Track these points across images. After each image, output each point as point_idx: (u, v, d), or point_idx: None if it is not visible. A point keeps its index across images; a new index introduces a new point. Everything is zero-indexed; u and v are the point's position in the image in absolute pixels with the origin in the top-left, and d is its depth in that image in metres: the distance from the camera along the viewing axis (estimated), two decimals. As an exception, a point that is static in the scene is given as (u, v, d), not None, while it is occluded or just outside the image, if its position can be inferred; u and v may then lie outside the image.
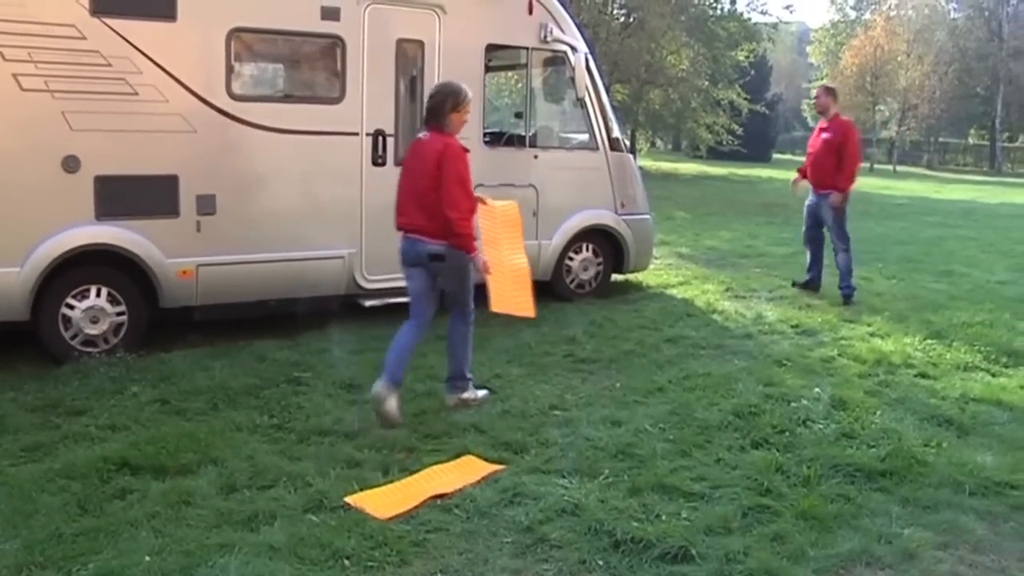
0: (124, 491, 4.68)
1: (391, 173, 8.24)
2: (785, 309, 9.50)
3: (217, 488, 4.73)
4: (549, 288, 9.57)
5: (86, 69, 6.93)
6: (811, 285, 10.55)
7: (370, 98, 8.18)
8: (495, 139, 9.42)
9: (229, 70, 7.53)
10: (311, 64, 8.40)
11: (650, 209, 10.47)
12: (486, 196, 6.57)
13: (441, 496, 4.73)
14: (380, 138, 8.28)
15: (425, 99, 6.31)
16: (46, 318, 7.04)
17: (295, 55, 8.28)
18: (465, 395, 6.23)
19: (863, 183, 35.52)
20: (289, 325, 7.98)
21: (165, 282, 7.37)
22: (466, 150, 5.91)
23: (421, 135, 6.05)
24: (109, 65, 7.00)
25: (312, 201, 8.02)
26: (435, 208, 5.78)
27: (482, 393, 6.33)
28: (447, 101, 5.90)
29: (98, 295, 7.20)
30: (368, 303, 8.37)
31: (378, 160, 8.28)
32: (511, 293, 6.32)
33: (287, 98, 8.14)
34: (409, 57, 8.46)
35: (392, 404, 5.82)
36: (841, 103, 45.55)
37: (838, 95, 10.70)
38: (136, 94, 7.12)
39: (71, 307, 7.11)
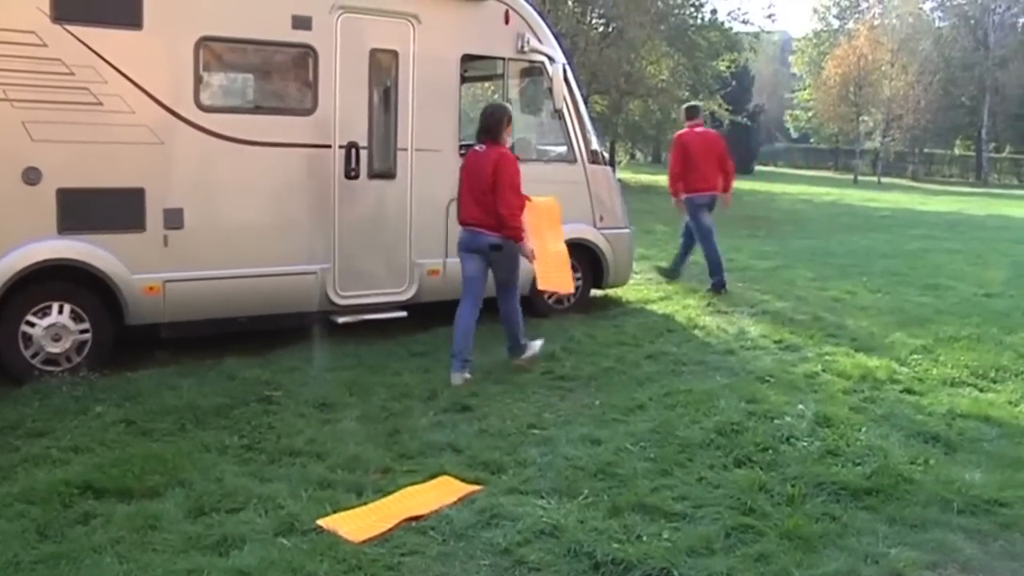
0: (87, 516, 4.63)
1: (364, 187, 8.33)
2: (768, 324, 9.55)
3: (185, 511, 4.70)
4: (526, 304, 9.56)
5: (48, 78, 6.89)
6: (671, 274, 12.12)
7: (343, 110, 8.17)
8: (471, 151, 9.43)
9: (197, 80, 7.51)
10: (282, 74, 8.40)
11: (629, 223, 10.51)
12: (530, 194, 7.56)
13: (416, 518, 4.71)
14: (353, 151, 8.27)
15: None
16: (5, 336, 6.98)
17: (266, 65, 8.28)
18: (526, 356, 7.57)
19: (846, 195, 35.90)
20: (260, 343, 7.96)
21: (131, 298, 7.32)
22: (516, 158, 7.45)
23: (477, 147, 7.32)
24: (72, 74, 6.97)
25: (283, 215, 8.01)
26: (490, 206, 7.16)
27: (537, 343, 7.69)
28: (503, 119, 7.34)
29: (60, 312, 7.15)
30: (341, 320, 8.36)
31: (351, 173, 8.27)
32: (553, 274, 7.95)
33: (257, 109, 8.14)
34: (383, 67, 8.47)
35: (463, 378, 7.15)
36: (824, 113, 45.71)
37: (695, 111, 12.21)
38: (100, 104, 7.09)
39: (32, 324, 7.05)
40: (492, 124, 7.28)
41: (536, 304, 9.60)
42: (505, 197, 7.12)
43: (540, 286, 8.11)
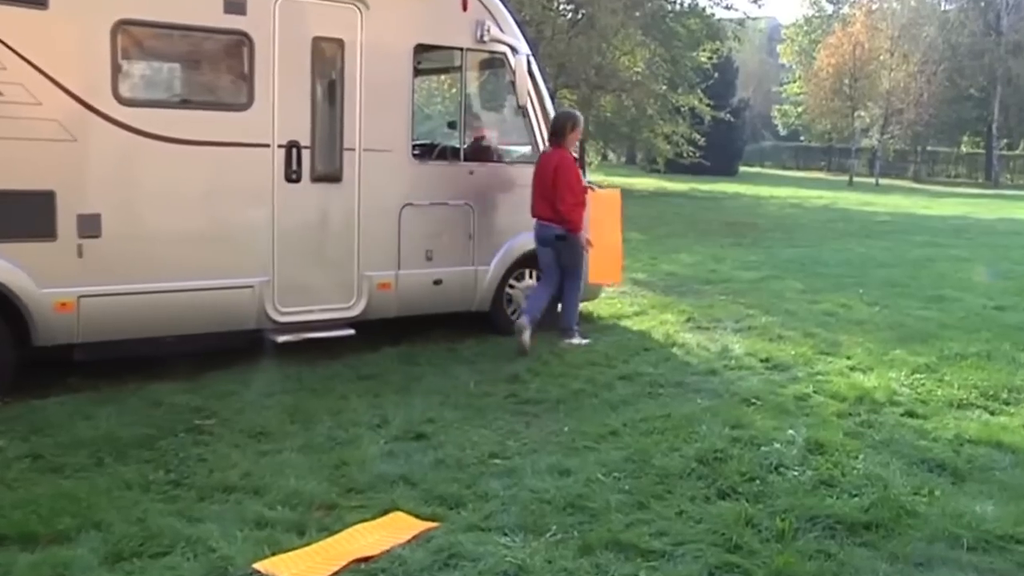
0: (-16, 566, 4.56)
1: (307, 191, 8.28)
2: (754, 341, 9.62)
3: (100, 557, 4.64)
4: (488, 320, 9.60)
5: None
6: None
7: (282, 105, 8.14)
8: (426, 152, 9.46)
9: (116, 69, 7.43)
10: (213, 64, 8.35)
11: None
12: (594, 186, 9.76)
13: (365, 559, 4.70)
14: (294, 150, 8.23)
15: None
16: None
17: (195, 54, 8.22)
18: (573, 340, 9.18)
19: (841, 198, 36.22)
20: (189, 365, 7.90)
21: (39, 316, 7.24)
22: (575, 158, 9.42)
23: (546, 150, 9.22)
24: None
25: (215, 222, 7.96)
26: (553, 202, 9.01)
27: (585, 341, 9.22)
28: (567, 124, 9.23)
29: (-44, 332, 7.06)
30: (282, 339, 8.30)
31: (292, 176, 8.23)
32: (604, 266, 9.61)
33: (185, 103, 8.08)
34: (327, 58, 8.45)
35: (526, 336, 8.78)
36: (816, 108, 45.61)
37: None
38: None
39: (-76, 346, 6.97)
40: (557, 128, 9.20)
41: (497, 320, 9.64)
42: (562, 195, 8.96)
43: (590, 279, 9.70)
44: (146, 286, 7.63)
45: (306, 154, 8.31)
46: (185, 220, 7.83)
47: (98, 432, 6.33)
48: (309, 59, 8.31)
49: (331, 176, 8.48)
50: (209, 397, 7.23)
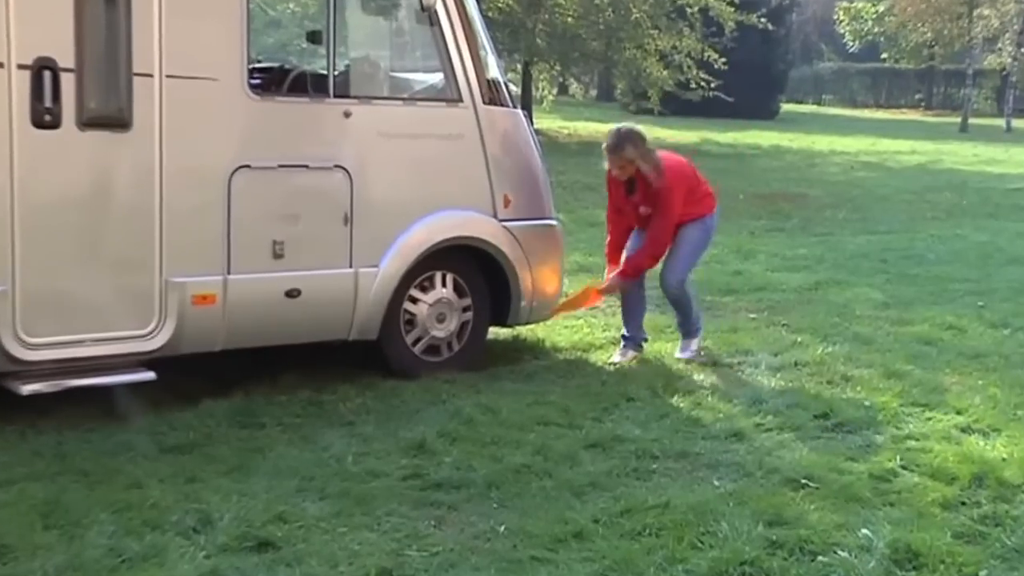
0: None
1: (71, 143, 8.09)
2: (804, 385, 9.75)
3: None
4: (376, 352, 9.59)
5: None
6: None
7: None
8: (272, 81, 9.46)
9: None
10: None
11: (555, 210, 10.62)
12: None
13: None
14: (46, 75, 8.10)
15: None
16: None
17: None
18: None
19: (947, 152, 36.57)
20: None
21: None
22: None
23: None
24: None
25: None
26: None
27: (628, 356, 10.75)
28: None
29: None
30: (28, 388, 8.19)
31: (44, 117, 8.08)
32: None
33: None
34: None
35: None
36: (908, 8, 44.99)
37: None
38: None
39: None
40: None
41: (390, 354, 9.62)
42: None
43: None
44: None
45: (68, 81, 8.14)
46: None
47: None
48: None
49: (112, 119, 8.36)
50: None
